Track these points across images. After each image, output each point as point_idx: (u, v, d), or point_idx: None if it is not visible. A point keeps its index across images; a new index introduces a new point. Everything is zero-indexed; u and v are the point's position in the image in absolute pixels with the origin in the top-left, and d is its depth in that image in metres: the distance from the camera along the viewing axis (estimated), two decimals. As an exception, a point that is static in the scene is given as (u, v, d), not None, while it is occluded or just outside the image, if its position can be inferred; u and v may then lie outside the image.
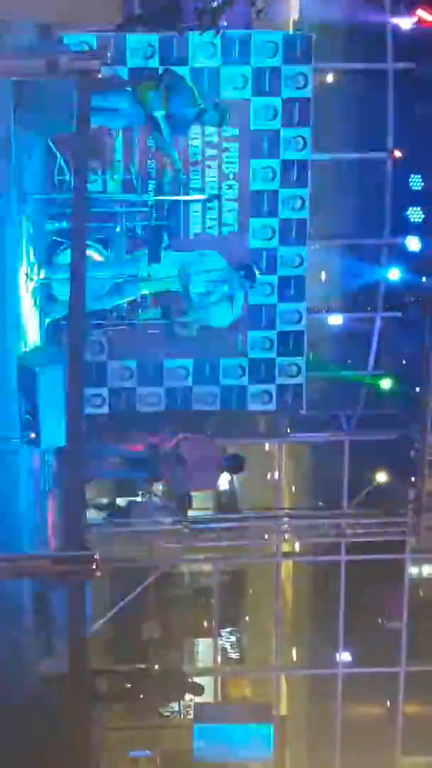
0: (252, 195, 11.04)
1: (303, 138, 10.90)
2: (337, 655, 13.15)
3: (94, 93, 6.96)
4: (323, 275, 13.29)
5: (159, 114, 9.62)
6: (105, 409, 11.27)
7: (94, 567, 5.96)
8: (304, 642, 15.21)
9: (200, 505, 12.70)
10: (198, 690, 12.40)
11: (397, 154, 11.57)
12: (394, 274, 11.81)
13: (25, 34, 7.52)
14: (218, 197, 10.85)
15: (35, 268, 9.17)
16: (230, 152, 10.89)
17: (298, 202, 11.09)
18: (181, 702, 14.88)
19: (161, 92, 9.62)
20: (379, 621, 14.60)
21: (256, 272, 10.15)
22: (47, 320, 9.71)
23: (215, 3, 9.80)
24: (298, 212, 11.13)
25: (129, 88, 9.83)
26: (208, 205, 10.89)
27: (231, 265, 10.12)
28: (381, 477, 12.58)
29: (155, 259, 9.76)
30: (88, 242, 9.16)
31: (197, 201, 10.87)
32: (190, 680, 12.30)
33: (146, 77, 10.04)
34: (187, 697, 13.08)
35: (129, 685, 11.87)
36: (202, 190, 10.86)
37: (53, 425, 8.06)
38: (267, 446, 14.40)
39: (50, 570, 6.23)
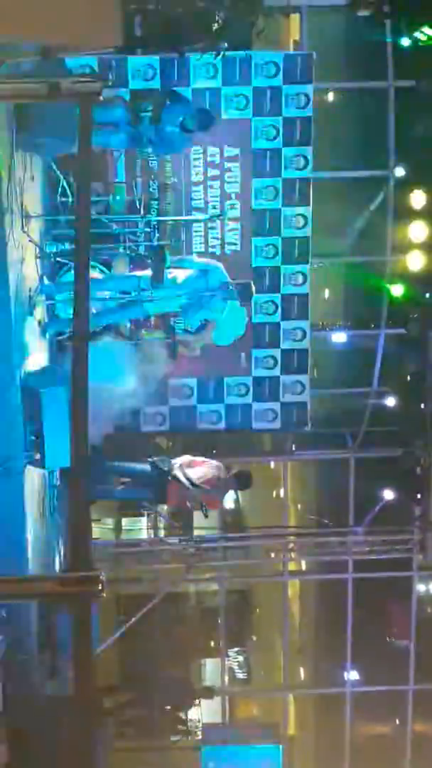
0: (254, 214, 11.09)
1: (304, 157, 10.95)
2: (345, 674, 13.09)
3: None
4: (326, 293, 13.32)
5: (146, 114, 9.57)
6: (110, 430, 11.26)
7: (100, 588, 5.92)
8: (312, 661, 15.14)
9: (206, 524, 12.67)
10: (208, 693, 12.31)
11: (399, 172, 11.61)
12: (397, 290, 11.83)
13: (26, 56, 7.57)
14: (220, 217, 10.88)
15: (39, 289, 9.19)
16: (232, 172, 10.93)
17: (301, 221, 11.13)
18: (189, 723, 14.81)
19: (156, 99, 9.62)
20: (387, 639, 14.53)
21: (253, 291, 10.10)
22: (51, 341, 9.71)
23: (215, 25, 9.86)
24: (301, 230, 11.16)
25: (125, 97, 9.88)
26: (210, 225, 10.94)
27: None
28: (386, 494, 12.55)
29: (158, 279, 9.76)
30: (91, 263, 9.17)
31: (199, 221, 10.91)
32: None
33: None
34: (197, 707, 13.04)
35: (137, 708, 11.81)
36: (204, 210, 10.91)
37: (58, 445, 8.05)
38: (272, 464, 14.39)
39: (56, 591, 6.18)
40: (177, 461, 10.43)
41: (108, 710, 10.75)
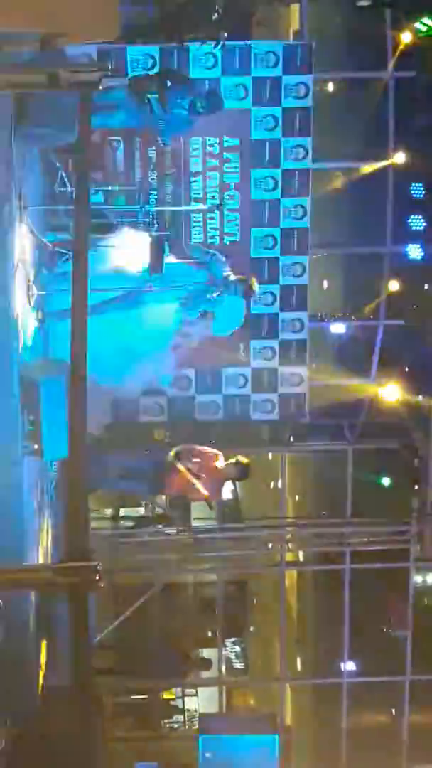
0: (253, 204, 11.07)
1: (304, 147, 10.93)
2: (342, 664, 13.12)
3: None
4: (325, 284, 13.31)
5: (153, 97, 9.53)
6: (108, 420, 11.27)
7: (97, 578, 5.94)
8: (309, 651, 15.18)
9: (203, 515, 12.68)
10: (205, 665, 12.31)
11: (398, 161, 11.59)
12: (396, 282, 11.82)
13: (25, 46, 7.54)
14: (219, 207, 10.86)
15: (37, 278, 9.17)
16: (231, 162, 10.92)
17: (300, 211, 11.12)
18: (186, 712, 14.86)
19: (157, 81, 9.58)
20: (384, 630, 14.56)
21: (255, 285, 10.09)
22: (49, 331, 9.70)
23: (215, 15, 9.82)
24: (300, 221, 11.15)
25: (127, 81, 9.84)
26: (209, 215, 10.92)
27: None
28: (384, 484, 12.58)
29: (157, 270, 9.74)
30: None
31: (198, 211, 10.89)
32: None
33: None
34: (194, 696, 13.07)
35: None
36: (203, 200, 10.89)
37: (56, 436, 8.04)
38: (270, 455, 14.40)
39: (53, 581, 6.21)
40: (176, 449, 10.44)
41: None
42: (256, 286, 9.86)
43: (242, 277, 9.80)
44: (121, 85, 9.60)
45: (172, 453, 10.56)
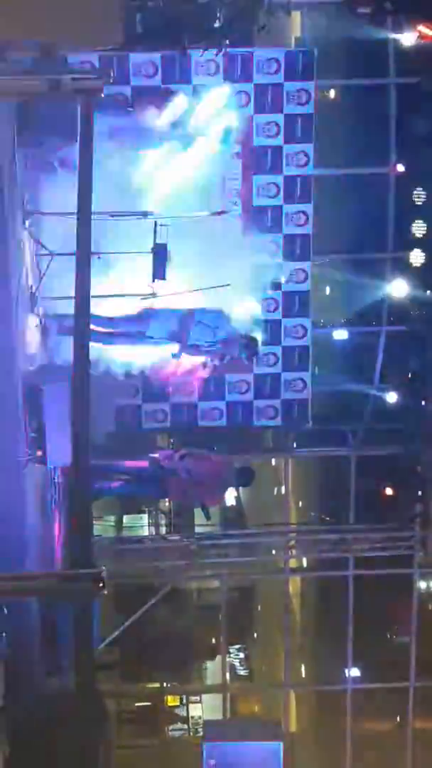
0: (255, 211, 11.07)
1: (306, 154, 10.94)
2: (346, 670, 13.09)
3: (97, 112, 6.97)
4: (327, 290, 13.31)
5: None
6: (111, 427, 11.27)
7: (101, 585, 5.94)
8: (313, 658, 15.15)
9: (205, 521, 12.66)
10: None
11: (400, 168, 11.59)
12: (399, 288, 11.81)
13: (27, 54, 7.57)
14: (222, 214, 10.86)
15: (40, 286, 9.19)
16: (233, 169, 10.92)
17: (302, 218, 11.13)
18: (191, 719, 14.84)
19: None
20: (388, 636, 14.54)
21: (259, 345, 10.18)
22: (52, 338, 9.71)
23: (217, 22, 9.86)
24: (302, 227, 11.16)
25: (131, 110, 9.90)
26: (212, 221, 10.91)
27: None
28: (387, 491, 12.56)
29: (161, 276, 9.76)
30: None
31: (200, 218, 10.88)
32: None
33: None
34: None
35: None
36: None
37: (59, 443, 8.06)
38: (273, 461, 14.39)
39: (56, 588, 6.21)
40: (178, 455, 10.46)
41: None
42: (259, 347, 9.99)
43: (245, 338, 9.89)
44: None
45: (175, 458, 10.59)
